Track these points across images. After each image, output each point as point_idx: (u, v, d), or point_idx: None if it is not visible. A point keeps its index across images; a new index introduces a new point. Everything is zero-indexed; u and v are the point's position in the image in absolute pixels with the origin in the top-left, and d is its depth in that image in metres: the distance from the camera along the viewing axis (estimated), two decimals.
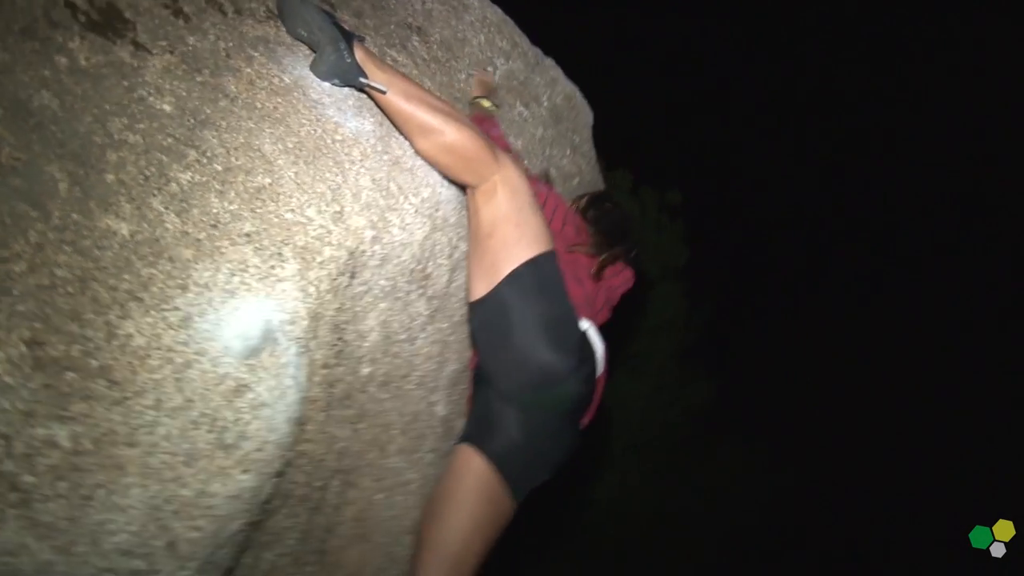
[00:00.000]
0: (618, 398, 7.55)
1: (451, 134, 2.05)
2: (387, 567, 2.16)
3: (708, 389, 8.25)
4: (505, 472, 1.97)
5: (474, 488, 1.95)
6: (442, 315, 2.37)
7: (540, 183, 2.51)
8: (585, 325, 2.10)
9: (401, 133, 2.17)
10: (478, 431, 2.04)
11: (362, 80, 2.04)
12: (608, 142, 3.54)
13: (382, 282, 2.02)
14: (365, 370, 2.02)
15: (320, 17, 2.02)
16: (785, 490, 8.51)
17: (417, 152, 2.16)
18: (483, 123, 2.60)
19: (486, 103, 2.73)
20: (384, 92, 2.05)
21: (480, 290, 2.03)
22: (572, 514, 7.51)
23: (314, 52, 2.07)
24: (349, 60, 2.02)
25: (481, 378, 2.14)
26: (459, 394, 2.54)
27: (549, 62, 3.22)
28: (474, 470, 1.97)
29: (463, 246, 2.39)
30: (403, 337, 2.17)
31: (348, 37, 2.04)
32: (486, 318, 2.03)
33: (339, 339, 1.86)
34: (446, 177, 2.21)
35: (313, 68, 2.05)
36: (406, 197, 2.10)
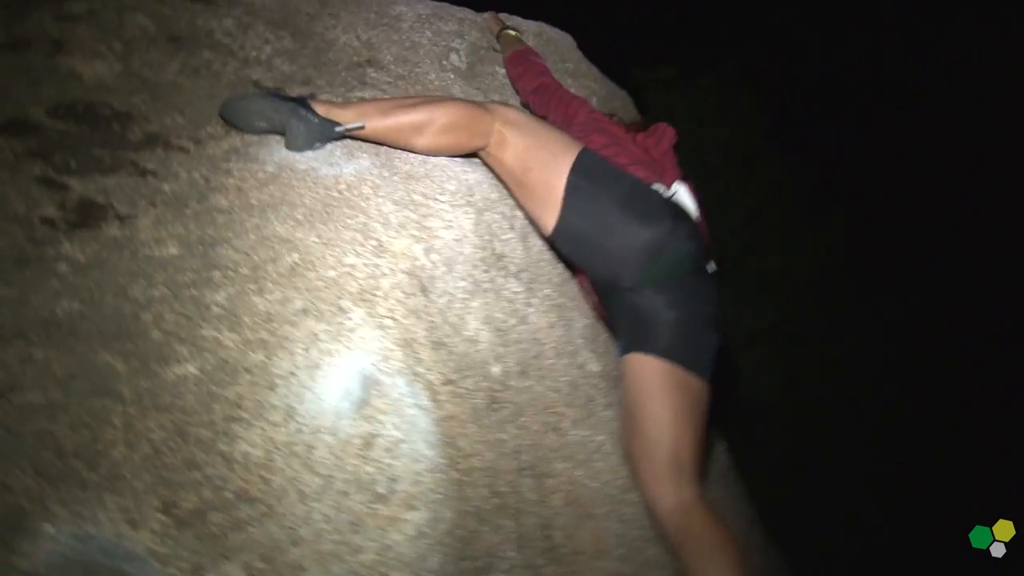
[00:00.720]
0: None
1: (440, 116, 2.09)
2: (624, 529, 2.08)
3: None
4: (678, 357, 1.96)
5: (659, 388, 1.95)
6: (540, 283, 2.31)
7: (551, 90, 2.61)
8: (657, 187, 2.12)
9: (400, 148, 2.16)
10: (632, 336, 2.03)
11: (338, 129, 2.04)
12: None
13: (461, 283, 1.98)
14: (495, 369, 1.97)
15: (268, 101, 2.03)
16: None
17: (422, 152, 2.17)
18: (521, 54, 2.78)
19: (511, 32, 2.92)
20: (363, 127, 2.04)
21: (550, 221, 2.06)
22: None
23: (283, 134, 2.06)
24: (316, 120, 2.02)
25: (604, 292, 2.16)
26: (603, 344, 2.45)
27: (502, 16, 3.15)
28: (649, 372, 1.96)
29: (519, 214, 2.33)
30: (514, 322, 2.11)
31: (302, 101, 2.05)
32: (571, 239, 2.07)
33: (449, 354, 1.81)
34: (459, 156, 2.22)
35: (291, 147, 2.05)
36: (435, 199, 2.07)
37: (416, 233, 1.92)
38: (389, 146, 2.15)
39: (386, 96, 2.43)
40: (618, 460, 2.20)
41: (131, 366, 1.48)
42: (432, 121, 2.08)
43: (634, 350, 2.01)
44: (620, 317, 2.12)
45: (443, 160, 2.24)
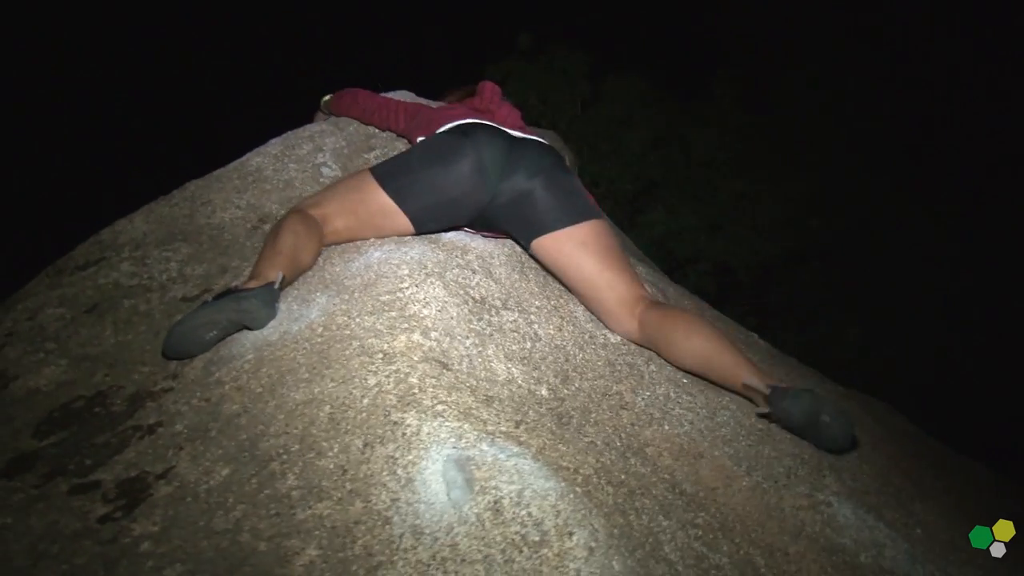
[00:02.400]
0: None
1: (293, 236, 2.28)
2: (733, 449, 2.16)
3: None
4: (564, 222, 2.39)
5: (570, 255, 2.40)
6: (526, 299, 2.40)
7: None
8: (444, 128, 2.53)
9: (305, 267, 2.34)
10: (523, 229, 2.46)
11: (276, 287, 2.14)
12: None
13: (467, 342, 2.04)
14: (543, 391, 2.03)
15: (205, 311, 2.08)
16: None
17: (314, 260, 2.37)
18: (338, 100, 3.24)
19: (325, 98, 3.31)
20: (283, 276, 2.17)
21: (407, 225, 2.43)
22: None
23: (239, 330, 2.13)
24: (256, 292, 2.08)
25: (483, 222, 2.53)
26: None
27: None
28: (555, 248, 2.41)
29: (470, 256, 2.42)
30: (529, 345, 2.19)
31: (232, 290, 2.12)
32: (428, 221, 2.44)
33: (500, 403, 1.87)
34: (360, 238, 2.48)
35: (257, 325, 2.11)
36: (401, 291, 2.14)
37: (405, 325, 1.98)
38: (302, 271, 2.32)
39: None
40: (688, 397, 2.28)
41: None
42: (297, 241, 2.27)
43: (532, 238, 2.44)
44: (506, 226, 2.50)
45: (380, 256, 2.31)
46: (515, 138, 2.47)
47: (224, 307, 2.06)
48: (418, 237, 2.45)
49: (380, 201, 2.38)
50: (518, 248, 2.62)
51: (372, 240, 2.45)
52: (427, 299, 2.10)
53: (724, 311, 3.74)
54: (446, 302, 2.13)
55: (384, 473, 1.62)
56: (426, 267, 2.24)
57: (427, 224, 2.44)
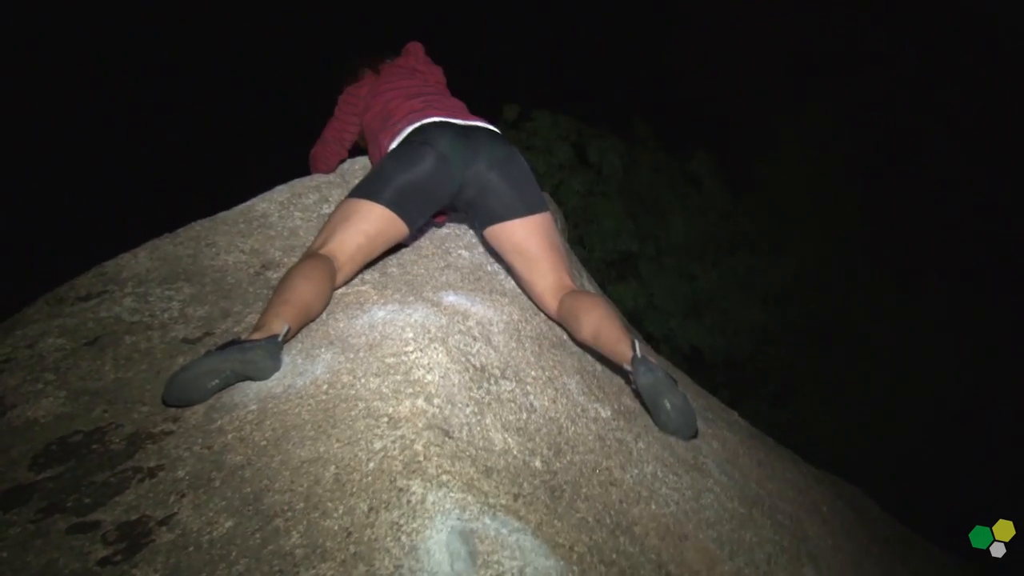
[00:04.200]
0: None
1: (308, 283, 2.38)
2: (716, 532, 2.23)
3: None
4: (517, 211, 2.74)
5: (518, 242, 2.75)
6: (523, 369, 2.46)
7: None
8: (399, 137, 2.79)
9: (315, 318, 2.43)
10: (480, 216, 2.81)
11: (280, 340, 2.18)
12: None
13: (467, 410, 2.10)
14: (536, 463, 2.09)
15: (210, 360, 2.12)
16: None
17: (326, 306, 2.47)
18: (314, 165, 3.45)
19: None
20: (288, 328, 2.23)
21: (405, 232, 2.69)
22: None
23: (240, 381, 2.18)
24: (260, 344, 2.14)
25: (459, 212, 2.97)
26: (599, 390, 2.61)
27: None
28: (505, 234, 2.76)
29: (471, 322, 2.48)
30: (525, 415, 2.25)
31: (236, 341, 2.16)
32: (418, 218, 2.72)
33: (499, 474, 1.93)
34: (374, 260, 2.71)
35: (262, 377, 2.16)
36: (405, 353, 2.20)
37: (410, 391, 2.04)
38: (311, 319, 2.39)
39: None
40: (674, 477, 2.36)
41: None
42: (307, 288, 2.35)
43: (487, 225, 2.79)
44: (468, 210, 2.84)
45: (384, 316, 2.38)
46: (466, 127, 2.79)
47: (228, 357, 2.10)
48: (419, 300, 2.51)
49: (377, 212, 2.59)
50: (515, 316, 2.69)
51: (375, 298, 2.52)
52: (431, 365, 2.17)
53: (697, 379, 3.84)
54: (448, 368, 2.19)
55: (388, 539, 1.66)
56: (430, 332, 2.31)
57: (416, 220, 2.72)
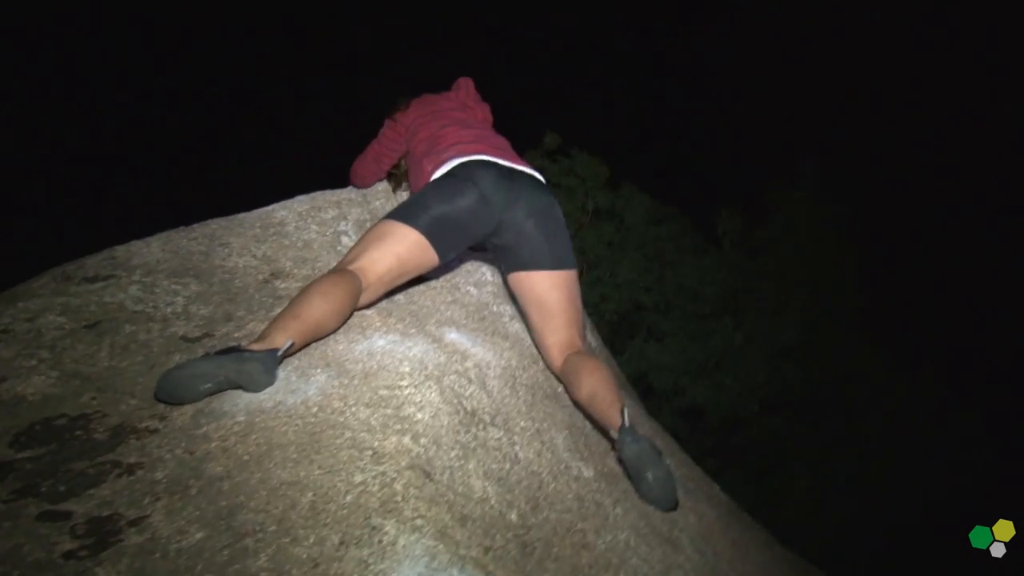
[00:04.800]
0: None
1: (325, 300, 2.37)
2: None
3: None
4: (546, 264, 2.76)
5: (542, 294, 2.77)
6: (513, 418, 2.45)
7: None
8: (443, 168, 2.81)
9: (325, 335, 2.42)
10: (509, 260, 2.81)
11: (279, 355, 2.19)
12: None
13: (453, 453, 2.10)
14: (512, 517, 2.09)
15: (207, 363, 2.13)
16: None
17: (339, 325, 2.45)
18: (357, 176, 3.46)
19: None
20: (293, 343, 2.23)
21: (434, 259, 2.70)
22: None
23: (232, 388, 2.18)
24: (259, 355, 2.14)
25: (486, 248, 2.93)
26: (585, 448, 2.61)
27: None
28: (531, 284, 2.78)
29: (469, 363, 2.48)
30: (508, 466, 2.25)
31: (236, 349, 2.17)
32: (450, 250, 2.74)
33: (473, 523, 1.93)
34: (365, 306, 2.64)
35: (254, 389, 2.16)
36: (398, 387, 2.20)
37: (399, 427, 2.04)
38: (320, 339, 2.39)
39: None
40: (646, 546, 2.34)
41: None
42: (324, 305, 2.35)
43: (513, 270, 2.81)
44: (498, 251, 2.86)
45: (384, 346, 2.38)
46: (512, 170, 2.81)
47: (225, 364, 2.11)
48: (421, 333, 2.52)
49: (412, 237, 2.61)
50: (513, 362, 2.70)
51: (377, 324, 2.52)
52: (423, 403, 2.17)
53: (690, 443, 3.84)
54: (440, 409, 2.19)
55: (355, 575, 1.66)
56: (427, 368, 2.31)
57: (448, 253, 2.73)
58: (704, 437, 7.96)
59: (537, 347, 2.88)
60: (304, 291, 2.38)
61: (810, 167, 8.78)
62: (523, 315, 2.90)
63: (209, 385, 2.15)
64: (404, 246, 2.60)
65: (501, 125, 3.26)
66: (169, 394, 2.14)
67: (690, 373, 7.73)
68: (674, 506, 2.57)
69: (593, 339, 3.82)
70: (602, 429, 2.65)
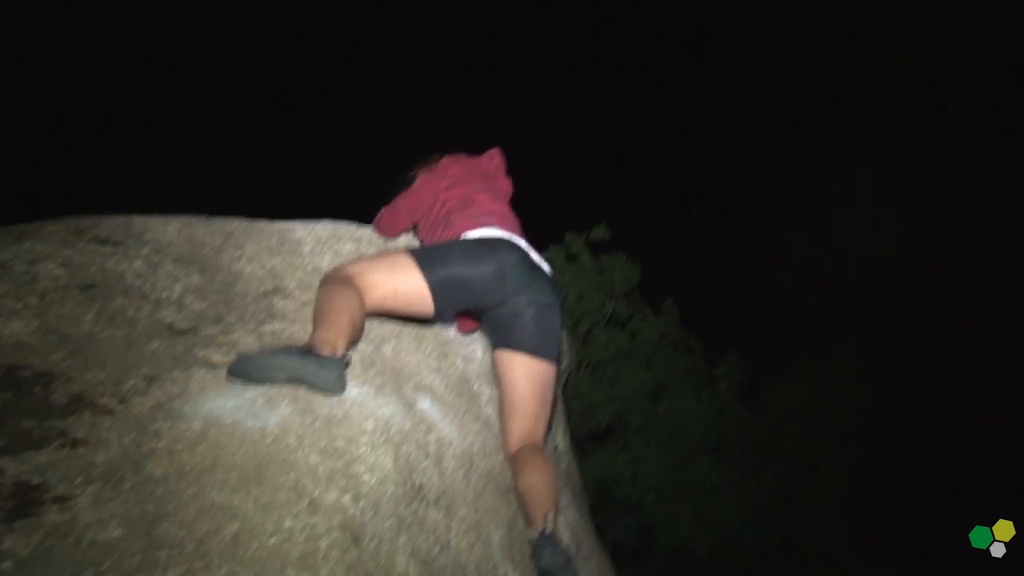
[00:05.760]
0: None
1: (347, 306, 2.52)
2: None
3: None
4: (536, 351, 2.85)
5: (524, 377, 2.84)
6: (457, 504, 2.44)
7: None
8: (476, 232, 2.93)
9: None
10: (501, 336, 2.90)
11: (347, 360, 2.44)
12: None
13: (386, 524, 2.09)
14: None
15: (290, 359, 2.29)
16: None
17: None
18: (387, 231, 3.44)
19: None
20: (345, 355, 2.43)
21: (429, 307, 2.75)
22: None
23: (299, 383, 2.31)
24: (335, 361, 2.35)
25: (481, 316, 3.02)
26: (519, 552, 2.59)
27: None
28: (517, 366, 2.85)
29: (432, 437, 2.48)
30: (437, 550, 2.23)
31: (312, 351, 2.35)
32: (447, 306, 2.79)
33: None
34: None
35: (332, 390, 2.33)
36: (356, 442, 2.20)
37: (343, 483, 2.04)
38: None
39: (294, 333, 2.59)
40: None
41: None
42: (362, 322, 2.57)
43: (499, 346, 2.91)
44: (491, 325, 2.95)
45: (356, 396, 2.38)
46: (535, 263, 2.93)
47: (307, 363, 2.29)
48: (395, 393, 2.52)
49: (419, 285, 2.69)
50: (476, 447, 2.70)
51: (357, 372, 2.53)
52: (375, 465, 2.17)
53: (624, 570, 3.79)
54: (388, 475, 2.19)
55: None
56: (389, 431, 2.31)
57: (445, 311, 2.82)
58: (646, 566, 7.85)
59: (501, 425, 2.94)
60: (345, 301, 2.52)
61: (845, 355, 8.75)
62: (499, 392, 2.98)
63: (283, 376, 2.28)
64: (407, 287, 2.69)
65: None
66: (246, 374, 2.28)
67: (654, 492, 7.65)
68: None
69: (562, 441, 3.81)
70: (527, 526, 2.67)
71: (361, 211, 3.47)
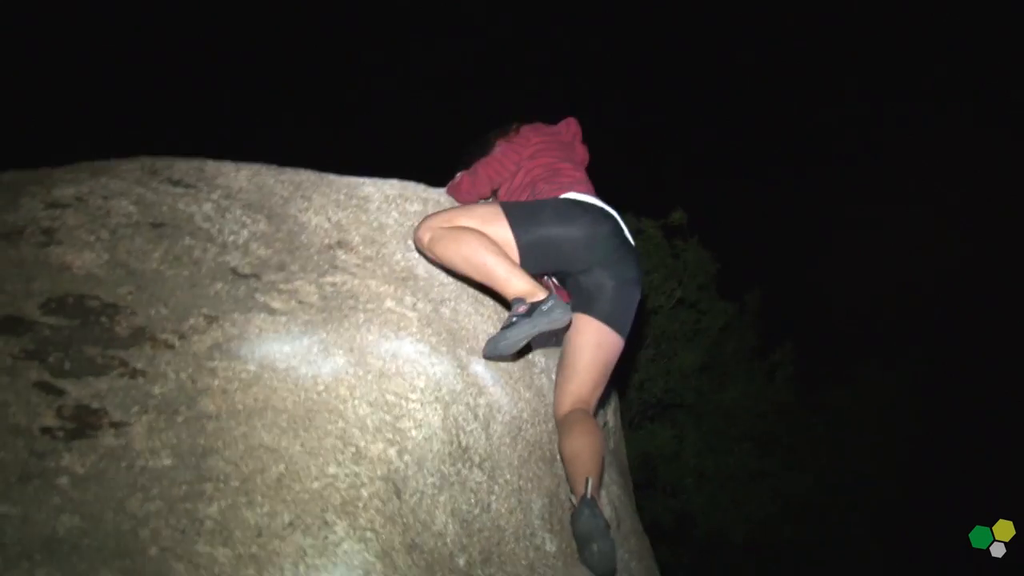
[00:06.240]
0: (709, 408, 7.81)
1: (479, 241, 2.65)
2: None
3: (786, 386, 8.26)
4: (611, 321, 2.84)
5: (595, 344, 2.83)
6: (501, 468, 2.45)
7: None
8: (569, 195, 2.91)
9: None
10: (580, 300, 2.88)
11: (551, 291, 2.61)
12: None
13: (429, 480, 2.11)
14: (461, 561, 2.09)
15: (526, 323, 2.52)
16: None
17: None
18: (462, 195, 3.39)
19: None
20: (547, 285, 2.86)
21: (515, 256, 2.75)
22: None
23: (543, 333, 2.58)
24: (557, 303, 2.53)
25: (565, 280, 3.00)
26: (558, 522, 2.59)
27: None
28: (591, 330, 2.83)
29: (482, 401, 2.49)
30: (477, 511, 2.25)
31: (533, 307, 2.55)
32: (532, 262, 2.77)
33: (420, 554, 1.93)
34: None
35: (562, 324, 2.59)
36: (407, 398, 2.22)
37: (390, 436, 2.06)
38: None
39: (355, 287, 2.61)
40: None
41: None
42: (500, 256, 2.65)
43: (581, 311, 2.86)
44: (573, 289, 2.94)
45: (410, 353, 2.40)
46: (626, 237, 2.94)
47: (538, 320, 2.51)
48: (450, 354, 2.53)
49: (507, 240, 2.72)
50: (525, 415, 2.70)
51: (414, 329, 2.54)
52: (422, 422, 2.18)
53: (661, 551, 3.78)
54: (436, 434, 2.20)
55: (289, 560, 1.67)
56: (440, 391, 2.32)
57: (529, 264, 2.77)
58: (683, 547, 7.83)
59: (555, 387, 2.93)
60: (487, 248, 2.62)
61: (909, 366, 8.60)
62: (560, 357, 2.96)
63: (529, 338, 2.56)
64: (495, 238, 2.71)
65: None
66: (497, 353, 2.59)
67: (695, 475, 7.62)
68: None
69: (612, 419, 3.80)
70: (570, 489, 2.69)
71: (429, 172, 3.47)
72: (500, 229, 2.71)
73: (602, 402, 3.17)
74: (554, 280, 3.16)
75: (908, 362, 8.66)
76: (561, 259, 2.83)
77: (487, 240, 2.64)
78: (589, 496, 2.44)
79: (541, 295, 2.54)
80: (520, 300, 2.55)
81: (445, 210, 2.81)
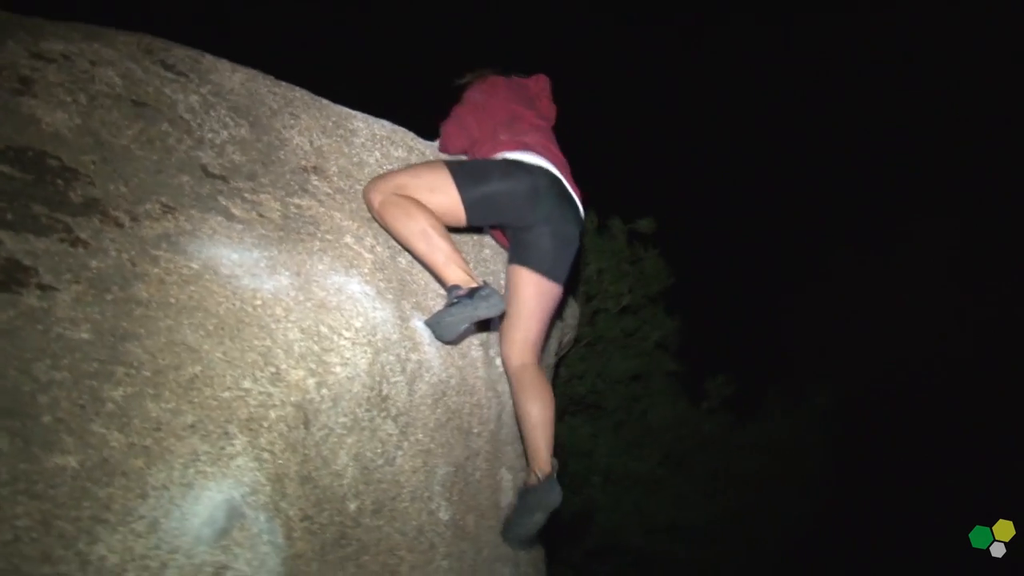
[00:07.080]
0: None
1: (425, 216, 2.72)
2: None
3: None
4: (548, 272, 2.94)
5: (533, 295, 2.94)
6: (415, 427, 2.45)
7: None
8: (515, 155, 3.01)
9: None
10: (518, 253, 2.98)
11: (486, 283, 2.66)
12: None
13: (341, 419, 2.11)
14: (352, 505, 2.09)
15: (468, 304, 2.55)
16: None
17: None
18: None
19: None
20: (479, 279, 2.69)
21: (462, 216, 2.85)
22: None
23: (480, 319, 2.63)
24: (491, 292, 2.58)
25: (508, 233, 3.09)
26: (458, 493, 2.60)
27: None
28: (528, 282, 2.93)
29: (414, 357, 2.48)
30: (381, 462, 2.25)
31: (471, 294, 2.59)
32: (479, 218, 2.90)
33: (313, 488, 1.93)
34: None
35: (496, 312, 2.63)
36: (340, 334, 2.20)
37: (313, 367, 2.05)
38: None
39: (321, 215, 2.59)
40: None
41: (15, 446, 1.55)
42: (442, 236, 2.72)
43: (514, 262, 2.99)
44: (515, 243, 3.03)
45: (355, 292, 2.39)
46: (570, 197, 3.04)
47: (477, 305, 2.56)
48: (395, 303, 2.52)
49: (454, 200, 2.80)
50: (453, 381, 2.70)
51: (366, 271, 2.53)
52: (348, 361, 2.17)
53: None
54: (359, 376, 2.19)
55: (180, 460, 1.67)
56: (374, 335, 2.31)
57: (475, 217, 2.90)
58: (578, 545, 7.89)
59: (500, 334, 3.05)
60: (436, 229, 2.70)
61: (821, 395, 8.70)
62: (507, 310, 3.03)
63: (467, 323, 2.59)
64: (446, 202, 2.80)
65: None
66: (435, 328, 2.63)
67: (602, 475, 7.67)
68: (527, 548, 2.87)
69: (549, 358, 3.88)
70: (527, 451, 2.86)
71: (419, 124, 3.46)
72: (448, 191, 2.79)
73: (545, 342, 3.35)
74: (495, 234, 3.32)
75: (822, 393, 8.78)
76: (504, 214, 2.92)
77: (433, 220, 2.72)
78: (555, 475, 2.72)
79: (477, 284, 2.63)
80: (457, 287, 2.62)
81: (395, 171, 2.83)
